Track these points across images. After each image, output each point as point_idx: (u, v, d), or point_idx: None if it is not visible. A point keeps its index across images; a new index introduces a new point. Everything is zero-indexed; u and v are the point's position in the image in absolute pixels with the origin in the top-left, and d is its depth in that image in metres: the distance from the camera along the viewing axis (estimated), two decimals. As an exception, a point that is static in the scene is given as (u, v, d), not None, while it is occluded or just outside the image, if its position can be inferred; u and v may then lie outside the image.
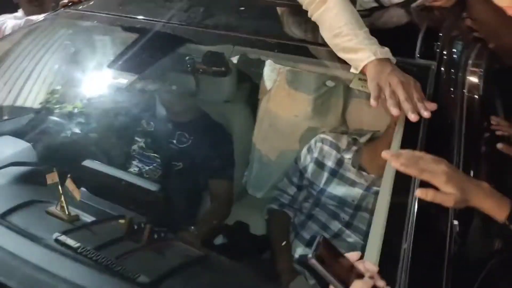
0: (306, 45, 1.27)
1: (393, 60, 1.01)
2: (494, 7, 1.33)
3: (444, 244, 0.82)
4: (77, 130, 1.69)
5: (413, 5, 1.31)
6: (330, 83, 1.66)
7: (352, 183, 1.47)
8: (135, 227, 1.07)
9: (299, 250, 1.48)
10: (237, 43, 1.42)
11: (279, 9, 1.44)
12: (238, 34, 1.40)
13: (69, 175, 1.10)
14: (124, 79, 1.54)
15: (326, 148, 1.54)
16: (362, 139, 1.51)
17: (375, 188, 1.40)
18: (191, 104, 1.84)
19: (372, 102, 0.91)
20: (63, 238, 0.97)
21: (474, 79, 1.12)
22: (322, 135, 1.57)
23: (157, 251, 1.07)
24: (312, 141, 1.58)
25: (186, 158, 1.75)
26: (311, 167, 1.55)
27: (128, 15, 1.58)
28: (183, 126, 1.80)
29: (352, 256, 0.73)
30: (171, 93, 1.78)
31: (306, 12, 1.19)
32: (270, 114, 1.77)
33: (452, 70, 1.12)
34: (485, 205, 0.80)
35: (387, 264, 0.76)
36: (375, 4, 1.35)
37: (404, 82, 0.92)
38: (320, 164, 1.53)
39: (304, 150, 1.60)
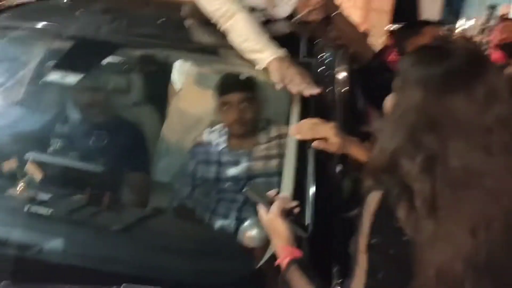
0: (215, 49, 1.59)
1: (288, 57, 1.38)
2: (351, 23, 1.83)
3: (332, 182, 1.20)
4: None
5: (293, 20, 1.73)
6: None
7: (235, 162, 1.82)
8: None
9: (219, 223, 1.77)
10: (151, 48, 1.68)
11: (188, 21, 1.74)
12: (152, 40, 1.67)
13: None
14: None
15: (210, 140, 1.89)
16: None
17: (252, 156, 1.79)
18: (104, 105, 2.01)
19: (277, 86, 1.26)
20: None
21: (342, 73, 1.56)
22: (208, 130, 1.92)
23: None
24: (203, 135, 1.92)
25: (103, 156, 1.92)
26: (202, 161, 1.87)
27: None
28: (97, 126, 1.97)
29: (272, 192, 1.07)
30: (85, 94, 1.94)
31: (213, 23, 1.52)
32: (178, 111, 2.04)
33: (325, 67, 1.54)
34: (355, 151, 1.20)
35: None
36: (264, 19, 1.72)
37: (299, 72, 1.29)
38: (208, 156, 1.87)
39: (196, 146, 1.93)
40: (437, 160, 0.82)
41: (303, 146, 1.20)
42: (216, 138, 1.91)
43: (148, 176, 1.99)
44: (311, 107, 1.29)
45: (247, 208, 1.69)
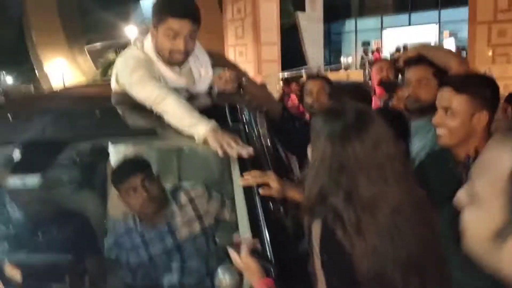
0: (149, 130, 1.79)
1: (218, 127, 1.63)
2: (258, 85, 2.16)
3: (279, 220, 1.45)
4: None
5: (213, 92, 2.01)
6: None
7: (161, 238, 1.95)
8: None
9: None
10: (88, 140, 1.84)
11: (119, 110, 1.94)
12: (89, 132, 1.84)
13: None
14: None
15: (128, 227, 2.01)
16: None
17: (173, 227, 1.94)
18: (45, 199, 2.10)
19: (220, 153, 1.51)
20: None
21: (264, 130, 1.85)
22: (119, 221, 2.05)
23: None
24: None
25: (53, 249, 1.98)
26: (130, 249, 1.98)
27: None
28: (42, 221, 2.04)
29: (236, 236, 1.30)
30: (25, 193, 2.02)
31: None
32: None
33: (249, 128, 1.82)
34: (291, 193, 1.47)
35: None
36: (188, 95, 1.98)
37: (231, 137, 1.55)
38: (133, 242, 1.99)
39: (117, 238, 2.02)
40: (352, 193, 1.13)
41: (250, 194, 1.44)
42: (132, 223, 2.01)
43: (102, 257, 2.07)
44: (246, 163, 1.54)
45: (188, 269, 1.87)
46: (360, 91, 2.50)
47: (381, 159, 1.14)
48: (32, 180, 1.79)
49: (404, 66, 2.07)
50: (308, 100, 2.73)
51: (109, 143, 2.01)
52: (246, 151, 1.51)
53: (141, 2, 25.47)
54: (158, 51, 1.85)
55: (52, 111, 1.91)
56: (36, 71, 27.98)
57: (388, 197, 1.13)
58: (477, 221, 0.87)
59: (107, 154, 2.14)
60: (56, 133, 1.83)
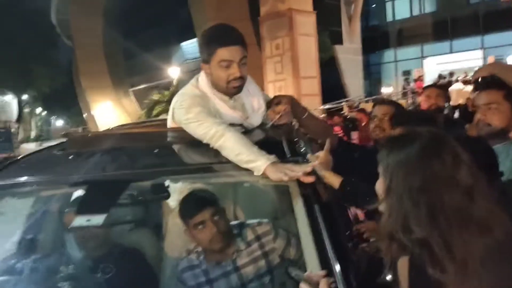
0: (212, 165, 1.78)
1: (278, 160, 1.60)
2: (317, 118, 2.12)
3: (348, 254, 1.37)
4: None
5: (267, 125, 1.99)
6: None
7: (225, 275, 1.87)
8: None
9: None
10: (148, 177, 1.85)
11: (176, 146, 1.95)
12: (150, 170, 1.84)
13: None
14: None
15: (192, 263, 1.94)
16: None
17: (238, 264, 1.87)
18: (103, 236, 2.10)
19: (286, 179, 1.48)
20: None
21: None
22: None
23: None
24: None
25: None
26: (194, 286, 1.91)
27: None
28: (101, 259, 2.04)
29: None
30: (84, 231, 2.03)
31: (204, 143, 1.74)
32: (176, 227, 2.16)
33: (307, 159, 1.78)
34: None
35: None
36: (243, 130, 1.97)
37: (290, 166, 1.52)
38: (197, 279, 1.91)
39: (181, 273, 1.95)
40: (436, 212, 1.06)
41: (316, 228, 1.38)
42: (196, 260, 1.95)
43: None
44: (310, 196, 1.49)
45: None
46: (427, 118, 2.36)
47: (463, 175, 1.08)
48: (96, 219, 1.81)
49: (473, 90, 2.00)
50: (372, 125, 2.67)
51: (167, 181, 2.01)
52: (311, 167, 1.51)
53: (182, 44, 26.48)
54: (215, 85, 1.86)
55: (111, 150, 1.94)
56: (84, 114, 29.28)
57: (473, 213, 1.06)
58: None
59: (165, 191, 2.14)
60: (116, 171, 1.85)
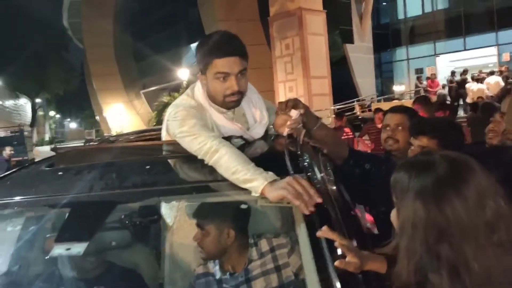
0: (207, 184, 1.64)
1: (277, 178, 1.45)
2: (330, 129, 1.97)
3: None
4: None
5: (270, 132, 1.84)
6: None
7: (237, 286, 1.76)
8: None
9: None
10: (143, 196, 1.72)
11: (171, 161, 1.81)
12: (145, 188, 1.71)
13: None
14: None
15: (208, 270, 1.84)
16: None
17: (250, 275, 1.75)
18: (100, 258, 1.98)
19: (292, 201, 1.32)
20: None
21: (328, 176, 1.65)
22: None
23: None
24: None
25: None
26: None
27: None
28: (97, 281, 1.93)
29: None
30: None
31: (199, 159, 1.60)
32: (175, 246, 2.03)
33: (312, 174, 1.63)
34: (373, 266, 1.18)
35: None
36: (242, 142, 1.83)
37: (293, 182, 1.36)
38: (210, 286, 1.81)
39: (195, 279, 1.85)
40: (459, 268, 0.87)
41: (323, 263, 1.23)
42: (212, 267, 1.84)
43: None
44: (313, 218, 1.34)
45: None
46: (450, 128, 1.97)
47: (491, 218, 0.89)
48: (76, 248, 1.68)
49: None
50: (384, 135, 2.27)
51: (162, 201, 1.88)
52: (311, 203, 1.32)
53: (191, 45, 26.44)
54: (211, 98, 1.73)
55: (100, 166, 1.82)
56: (96, 117, 29.46)
57: (507, 268, 0.87)
58: None
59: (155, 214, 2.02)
60: (104, 191, 1.71)
